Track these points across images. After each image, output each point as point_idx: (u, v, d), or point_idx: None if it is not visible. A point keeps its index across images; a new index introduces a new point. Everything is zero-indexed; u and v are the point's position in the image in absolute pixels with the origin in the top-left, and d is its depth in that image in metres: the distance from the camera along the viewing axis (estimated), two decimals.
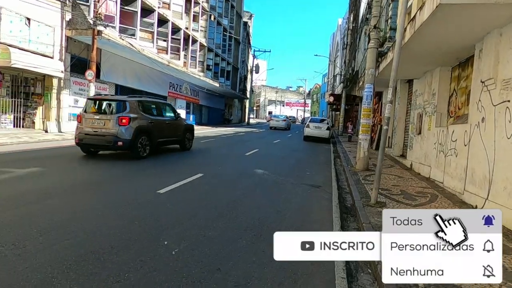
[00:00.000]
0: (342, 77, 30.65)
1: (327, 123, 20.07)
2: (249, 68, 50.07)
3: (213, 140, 15.96)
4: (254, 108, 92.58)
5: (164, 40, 23.36)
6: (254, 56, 44.61)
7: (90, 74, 14.65)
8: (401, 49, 5.85)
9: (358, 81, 28.78)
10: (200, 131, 23.26)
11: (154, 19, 21.50)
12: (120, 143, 8.36)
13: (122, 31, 19.10)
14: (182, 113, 27.62)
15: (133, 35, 19.85)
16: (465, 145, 6.03)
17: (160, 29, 23.04)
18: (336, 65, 42.62)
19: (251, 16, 65.70)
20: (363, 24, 25.90)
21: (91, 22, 14.60)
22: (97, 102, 9.15)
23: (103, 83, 18.14)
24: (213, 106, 35.59)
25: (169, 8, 23.46)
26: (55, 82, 15.01)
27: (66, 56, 15.48)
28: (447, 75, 7.87)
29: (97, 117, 8.71)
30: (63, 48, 15.19)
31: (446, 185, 6.89)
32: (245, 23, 44.81)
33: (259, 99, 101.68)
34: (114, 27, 17.91)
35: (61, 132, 14.97)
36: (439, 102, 7.94)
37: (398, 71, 9.93)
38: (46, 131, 14.65)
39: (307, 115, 73.74)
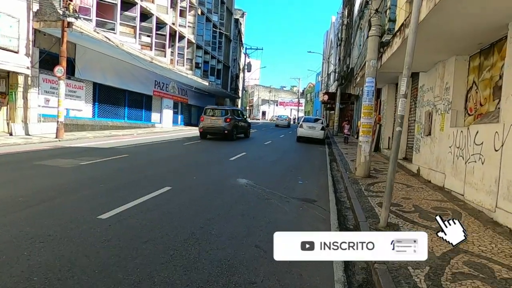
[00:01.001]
0: (337, 74, 29.47)
1: (322, 123, 18.82)
2: (241, 66, 48.74)
3: (198, 143, 14.59)
4: (248, 107, 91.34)
5: (148, 36, 21.94)
6: (246, 54, 43.27)
7: (59, 70, 13.19)
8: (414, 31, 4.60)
9: (353, 79, 27.64)
10: (185, 132, 21.89)
11: (136, 12, 20.06)
12: (226, 131, 16.25)
13: (100, 24, 17.65)
14: (169, 113, 26.24)
15: (113, 29, 18.40)
16: (497, 150, 4.79)
17: (143, 24, 21.61)
18: (330, 62, 41.51)
19: (243, 14, 64.40)
20: (358, 18, 24.75)
21: (60, 12, 13.14)
22: (212, 109, 17.47)
23: (78, 81, 16.69)
24: (203, 105, 33.92)
25: (153, 2, 22.02)
26: (21, 79, 13.52)
27: (34, 50, 13.99)
28: (464, 66, 6.64)
29: (213, 118, 16.71)
30: (30, 42, 13.71)
31: (468, 199, 5.65)
32: (236, 20, 43.46)
33: (253, 99, 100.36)
34: (90, 20, 16.46)
35: (29, 135, 13.49)
36: (454, 97, 6.71)
37: (398, 64, 8.72)
38: (11, 134, 13.17)
39: (301, 114, 72.63)
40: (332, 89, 39.59)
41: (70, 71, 16.16)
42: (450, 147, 6.56)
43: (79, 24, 13.70)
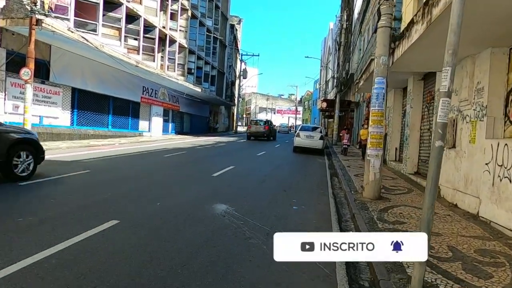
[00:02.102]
0: (336, 80, 28.15)
1: (320, 132, 17.39)
2: (237, 73, 47.51)
3: (181, 154, 13.06)
4: (245, 115, 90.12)
5: (135, 39, 20.60)
6: (242, 61, 42.06)
7: (26, 73, 11.74)
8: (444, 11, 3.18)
9: (353, 85, 26.33)
10: (175, 141, 20.37)
11: (121, 14, 18.74)
12: (265, 135, 26.23)
13: (80, 25, 16.30)
14: (159, 121, 24.78)
15: (94, 30, 17.06)
16: None
17: (130, 26, 20.30)
18: (328, 67, 40.32)
19: (240, 21, 63.54)
20: (359, 22, 23.53)
21: (28, 8, 11.74)
22: (255, 121, 29.68)
23: (54, 85, 15.22)
24: (196, 113, 32.73)
25: (140, 3, 20.74)
26: None
27: (1, 51, 12.57)
28: (503, 60, 5.22)
29: (257, 125, 27.17)
30: None
31: None
32: (232, 26, 42.35)
33: (250, 107, 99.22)
34: (67, 19, 15.10)
35: None
36: (490, 101, 5.27)
37: (416, 60, 7.30)
38: None
39: (299, 122, 71.32)
40: (331, 96, 38.30)
41: (44, 75, 14.72)
42: (487, 164, 5.08)
43: (50, 22, 12.29)
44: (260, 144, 22.04)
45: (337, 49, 30.98)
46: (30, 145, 6.78)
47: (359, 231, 4.71)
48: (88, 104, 17.58)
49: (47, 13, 12.13)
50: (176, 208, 5.25)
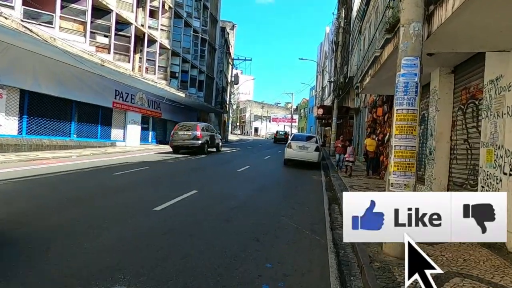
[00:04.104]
0: (333, 84, 25.73)
1: (316, 142, 14.79)
2: (228, 79, 45.13)
3: (140, 171, 10.28)
4: (239, 124, 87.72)
5: (106, 36, 18.09)
6: (233, 66, 39.71)
7: None
8: None
9: (351, 90, 23.95)
10: (148, 153, 17.64)
11: (86, 5, 16.25)
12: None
13: (31, 16, 13.77)
14: (136, 129, 22.13)
15: (50, 22, 14.52)
16: None
17: (100, 21, 17.82)
18: (325, 70, 38.06)
19: (233, 26, 61.61)
20: (357, 20, 21.22)
21: None
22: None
23: None
24: (182, 121, 29.97)
25: None
26: None
27: None
28: None
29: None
30: None
31: None
32: (223, 29, 40.07)
33: (245, 115, 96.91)
34: (11, 7, 12.59)
35: None
36: None
37: (476, 28, 4.46)
38: None
39: (294, 130, 68.92)
40: (327, 103, 35.95)
41: None
42: None
43: None
44: (246, 155, 19.40)
45: (334, 50, 28.67)
46: None
47: None
48: (43, 110, 14.92)
49: None
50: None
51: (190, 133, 17.99)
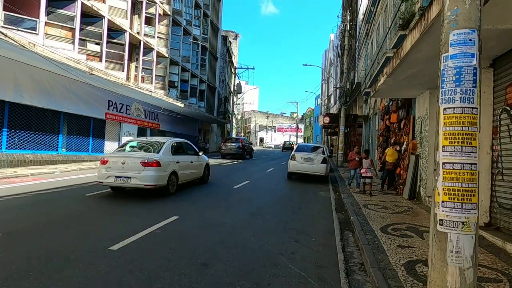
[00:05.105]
0: (340, 91, 24.40)
1: (323, 153, 13.37)
2: (231, 88, 44.14)
3: (109, 195, 8.96)
4: (243, 134, 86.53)
5: (97, 43, 17.09)
6: (235, 75, 38.73)
7: None
8: None
9: (359, 97, 22.60)
10: None
11: (75, 11, 15.29)
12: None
13: (12, 22, 12.80)
14: None
15: (34, 29, 13.53)
16: None
17: (90, 28, 16.86)
18: (331, 76, 36.79)
19: (236, 36, 61.17)
20: (364, 23, 20.01)
21: None
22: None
23: None
24: (182, 132, 28.91)
25: (103, 1, 17.38)
26: None
27: None
28: None
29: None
30: None
31: None
32: (225, 38, 39.23)
33: (250, 125, 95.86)
34: None
35: None
36: None
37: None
38: None
39: (300, 140, 67.46)
40: (333, 111, 34.58)
41: None
42: None
43: None
44: (247, 168, 18.02)
45: (340, 54, 27.42)
46: None
47: None
48: (26, 122, 13.81)
49: None
50: None
51: (235, 144, 25.14)
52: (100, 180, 7.94)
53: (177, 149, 9.44)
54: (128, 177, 7.69)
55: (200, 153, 11.04)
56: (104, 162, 8.07)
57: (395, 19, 11.84)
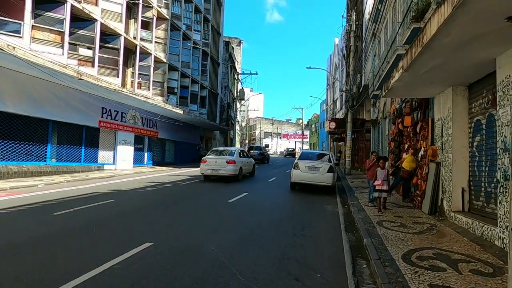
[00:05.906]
0: (346, 94, 23.24)
1: (329, 160, 12.17)
2: (234, 95, 43.23)
3: (96, 207, 7.79)
4: (248, 141, 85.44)
5: (89, 48, 16.26)
6: (238, 81, 37.82)
7: None
8: None
9: (366, 100, 21.41)
10: (135, 177, 15.33)
11: (64, 14, 14.49)
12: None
13: None
14: (128, 150, 20.02)
15: (17, 32, 12.72)
16: None
17: (82, 31, 16.04)
18: (337, 79, 35.67)
19: (240, 42, 60.50)
20: (370, 23, 18.95)
21: None
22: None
23: None
24: (183, 140, 27.97)
25: (96, 4, 16.60)
26: None
27: None
28: None
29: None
30: None
31: None
32: (227, 43, 38.45)
33: (255, 132, 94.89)
34: None
35: None
36: None
37: None
38: None
39: (306, 147, 66.13)
40: (339, 116, 33.38)
41: None
42: None
43: None
44: (248, 177, 16.87)
45: (346, 56, 26.32)
46: None
47: None
48: (10, 131, 12.91)
49: None
50: None
51: (257, 151, 30.86)
52: (202, 171, 14.42)
53: (240, 154, 15.56)
54: (218, 169, 14.00)
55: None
56: (204, 161, 14.38)
57: (407, 13, 10.75)
